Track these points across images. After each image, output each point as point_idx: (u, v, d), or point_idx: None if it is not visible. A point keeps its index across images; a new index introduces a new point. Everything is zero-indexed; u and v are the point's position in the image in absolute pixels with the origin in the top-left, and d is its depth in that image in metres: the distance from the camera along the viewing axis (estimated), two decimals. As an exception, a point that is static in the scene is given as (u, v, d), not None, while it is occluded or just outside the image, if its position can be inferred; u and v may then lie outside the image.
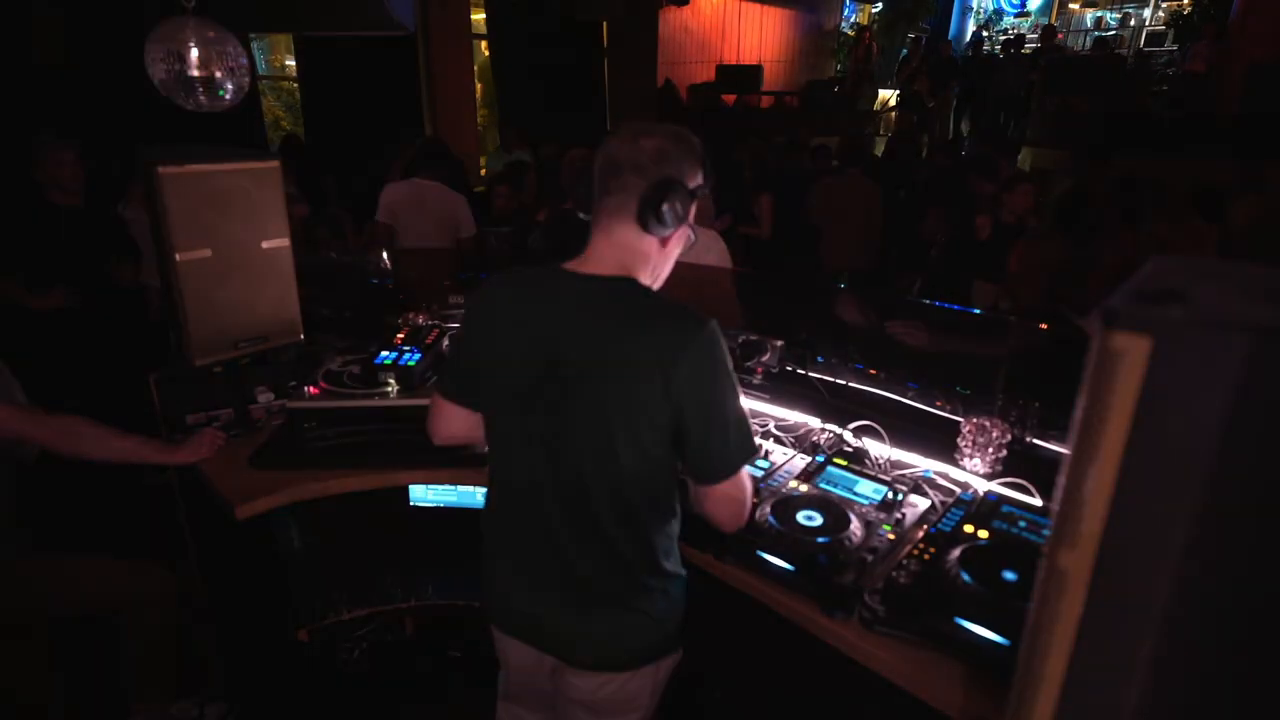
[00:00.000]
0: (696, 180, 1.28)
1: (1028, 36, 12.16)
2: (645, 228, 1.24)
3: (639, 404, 1.18)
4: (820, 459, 1.82)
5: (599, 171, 1.26)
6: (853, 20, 14.55)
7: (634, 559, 1.29)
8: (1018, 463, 1.78)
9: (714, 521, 1.32)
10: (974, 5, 15.11)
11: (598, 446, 1.22)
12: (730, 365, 1.22)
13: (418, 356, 2.02)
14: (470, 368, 1.37)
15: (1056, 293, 2.57)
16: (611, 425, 1.20)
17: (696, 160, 1.27)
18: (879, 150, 7.89)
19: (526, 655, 1.45)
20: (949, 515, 1.56)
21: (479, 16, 8.36)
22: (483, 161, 8.03)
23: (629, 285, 1.25)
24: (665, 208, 1.21)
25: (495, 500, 1.42)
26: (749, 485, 1.32)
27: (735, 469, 1.25)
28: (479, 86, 8.56)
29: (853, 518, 1.53)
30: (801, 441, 1.95)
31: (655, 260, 1.31)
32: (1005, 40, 12.08)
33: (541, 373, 1.24)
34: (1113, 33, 13.76)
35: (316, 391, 1.99)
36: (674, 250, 1.34)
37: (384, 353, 2.04)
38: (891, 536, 1.51)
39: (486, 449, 1.41)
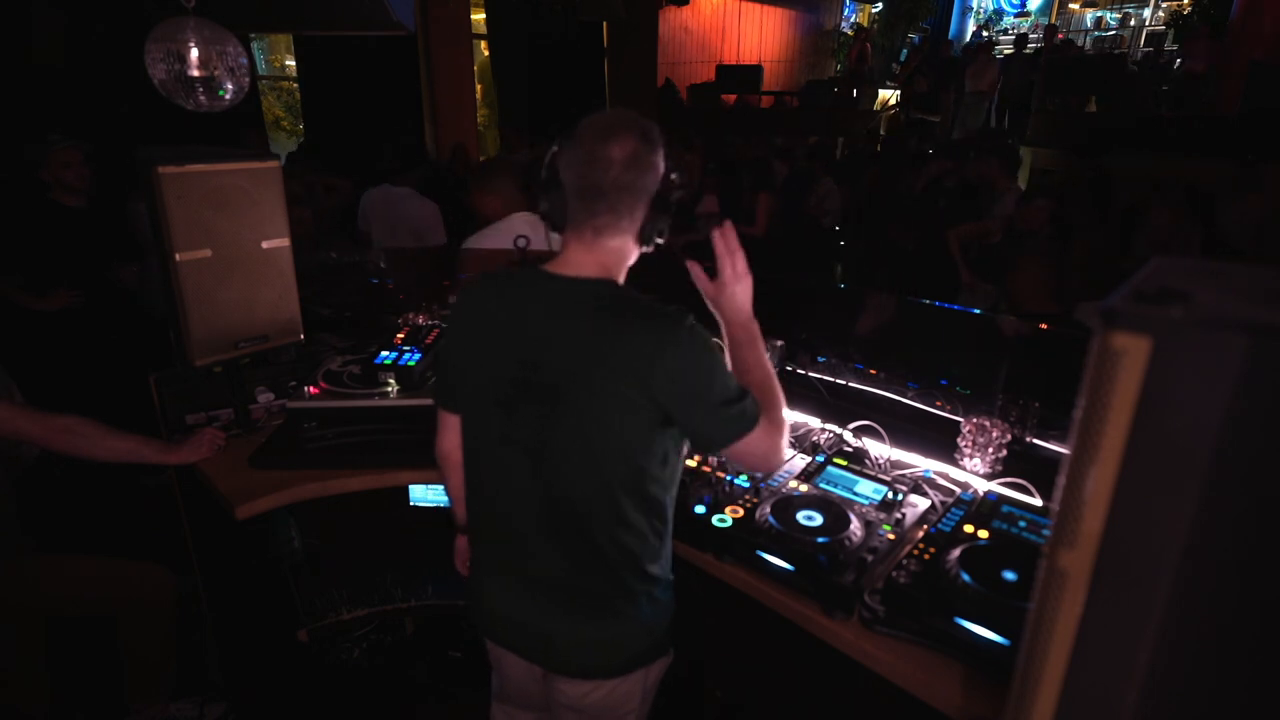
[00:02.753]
0: (663, 167, 1.25)
1: (997, 38, 12.19)
2: (647, 244, 1.29)
3: (625, 408, 1.18)
4: (820, 459, 1.82)
5: (580, 193, 1.22)
6: (853, 20, 14.57)
7: (620, 565, 1.28)
8: (1018, 463, 1.78)
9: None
10: (974, 5, 15.13)
11: (584, 452, 1.21)
12: (712, 349, 1.20)
13: (418, 356, 2.02)
14: (455, 371, 1.36)
15: (1055, 294, 2.59)
16: (598, 430, 1.19)
17: (656, 143, 1.24)
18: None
19: (516, 662, 1.44)
20: (949, 515, 1.56)
21: (479, 16, 8.36)
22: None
23: (609, 288, 1.25)
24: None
25: (473, 506, 1.39)
26: (766, 439, 1.24)
27: (738, 436, 1.21)
28: (479, 86, 8.56)
29: (853, 518, 1.53)
30: (801, 441, 1.94)
31: (631, 254, 1.32)
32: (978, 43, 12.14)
33: (523, 377, 1.23)
34: (1112, 33, 13.78)
35: (316, 391, 1.99)
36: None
37: (384, 353, 2.04)
38: (891, 536, 1.51)
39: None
